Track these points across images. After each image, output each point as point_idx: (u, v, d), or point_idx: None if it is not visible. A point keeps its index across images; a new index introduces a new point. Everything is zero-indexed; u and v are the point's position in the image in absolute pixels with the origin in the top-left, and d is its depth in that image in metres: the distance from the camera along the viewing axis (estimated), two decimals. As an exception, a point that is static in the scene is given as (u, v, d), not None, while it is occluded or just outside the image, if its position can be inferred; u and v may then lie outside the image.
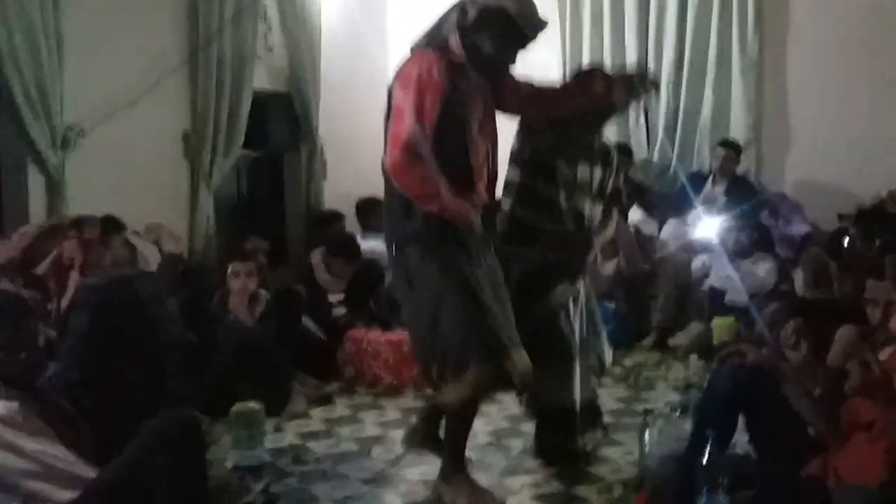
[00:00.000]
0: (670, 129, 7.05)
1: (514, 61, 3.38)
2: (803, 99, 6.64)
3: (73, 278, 3.10)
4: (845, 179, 6.36)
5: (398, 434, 4.18)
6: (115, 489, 2.47)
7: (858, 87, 6.39)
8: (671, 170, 7.03)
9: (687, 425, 3.53)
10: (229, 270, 4.48)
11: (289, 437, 4.19)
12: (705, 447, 2.90)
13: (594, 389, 4.00)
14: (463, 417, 3.37)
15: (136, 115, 4.88)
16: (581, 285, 3.86)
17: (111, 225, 4.48)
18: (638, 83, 3.58)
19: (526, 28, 3.27)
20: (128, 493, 2.46)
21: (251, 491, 3.28)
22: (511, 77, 3.48)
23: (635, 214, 6.58)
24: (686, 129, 7.00)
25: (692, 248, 6.28)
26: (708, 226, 6.18)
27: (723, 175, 6.54)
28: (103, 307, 2.96)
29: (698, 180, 6.66)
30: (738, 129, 6.79)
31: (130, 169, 4.98)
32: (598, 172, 3.83)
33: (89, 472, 2.61)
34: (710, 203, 6.42)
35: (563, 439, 3.76)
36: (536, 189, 3.69)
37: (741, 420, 3.21)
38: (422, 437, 3.72)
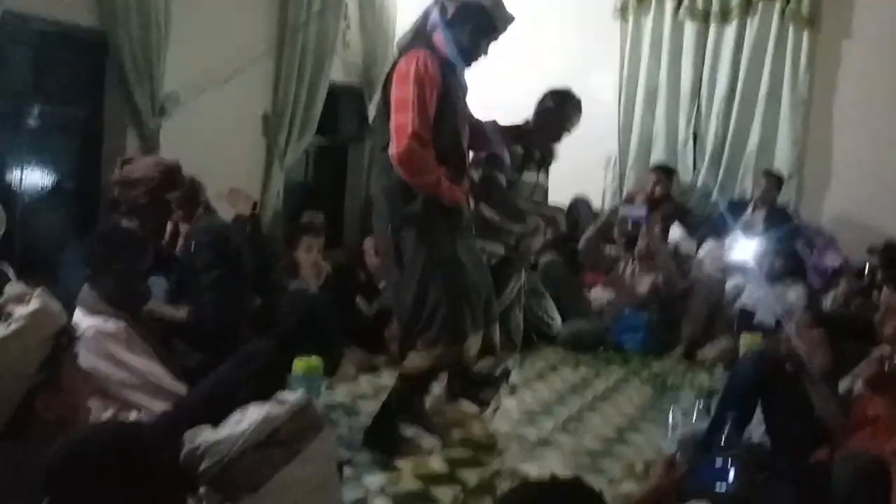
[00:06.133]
0: (716, 156, 7.28)
1: (486, 54, 3.62)
2: (847, 138, 6.84)
3: (199, 213, 3.45)
4: (880, 217, 6.57)
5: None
6: (201, 405, 2.73)
7: (902, 131, 6.63)
8: (713, 195, 7.31)
9: (706, 421, 3.84)
10: (302, 244, 4.84)
11: (340, 395, 4.53)
12: (725, 427, 3.22)
13: None
14: (417, 385, 3.78)
15: (224, 93, 5.24)
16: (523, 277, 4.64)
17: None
18: None
19: (498, 22, 3.55)
20: (211, 409, 2.61)
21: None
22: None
23: (675, 233, 6.84)
24: (732, 157, 7.22)
25: (727, 270, 6.56)
26: (744, 249, 6.40)
27: (763, 203, 6.77)
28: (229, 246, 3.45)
29: (739, 207, 6.91)
30: (781, 162, 7.00)
31: (214, 141, 5.33)
32: (539, 179, 4.57)
33: (180, 389, 2.94)
34: (748, 229, 6.66)
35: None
36: (503, 192, 4.23)
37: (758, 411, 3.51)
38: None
